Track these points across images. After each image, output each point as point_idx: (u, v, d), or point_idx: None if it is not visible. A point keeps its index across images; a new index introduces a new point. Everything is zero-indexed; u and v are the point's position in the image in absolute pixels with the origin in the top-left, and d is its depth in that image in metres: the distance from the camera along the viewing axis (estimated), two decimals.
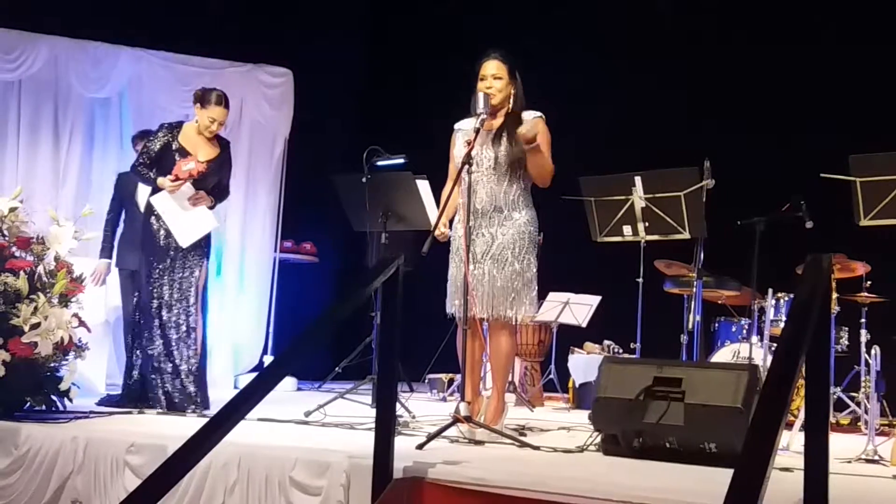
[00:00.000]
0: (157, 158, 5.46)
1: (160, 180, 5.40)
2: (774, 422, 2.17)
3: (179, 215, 5.44)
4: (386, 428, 3.42)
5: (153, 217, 5.45)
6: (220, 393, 5.61)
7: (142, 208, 5.78)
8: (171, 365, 5.36)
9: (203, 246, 5.54)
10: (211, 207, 5.58)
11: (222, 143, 5.67)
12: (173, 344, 5.37)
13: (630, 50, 8.22)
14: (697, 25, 7.98)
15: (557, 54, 8.35)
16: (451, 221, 4.81)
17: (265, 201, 8.29)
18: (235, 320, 8.03)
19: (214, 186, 5.59)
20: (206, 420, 2.99)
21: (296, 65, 8.37)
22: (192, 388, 5.35)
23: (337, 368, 7.13)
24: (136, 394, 5.38)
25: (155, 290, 5.40)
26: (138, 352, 5.44)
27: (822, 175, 4.60)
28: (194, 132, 5.54)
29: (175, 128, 5.54)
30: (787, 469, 3.65)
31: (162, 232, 5.43)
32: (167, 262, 5.43)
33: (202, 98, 5.50)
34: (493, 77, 4.64)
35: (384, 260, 3.53)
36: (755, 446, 2.15)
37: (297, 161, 8.40)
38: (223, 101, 5.52)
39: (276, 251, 8.34)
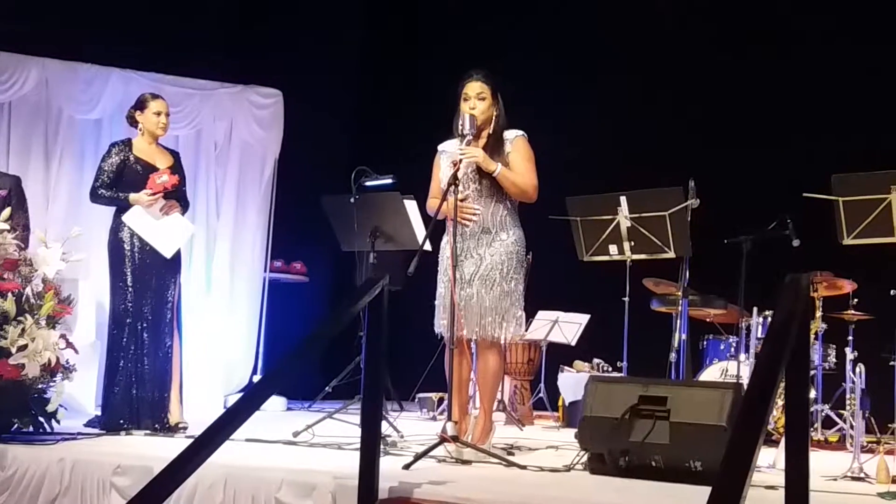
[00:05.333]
0: (115, 177, 5.46)
1: (133, 196, 5.39)
2: (751, 440, 2.19)
3: (156, 228, 5.42)
4: (371, 448, 3.42)
5: (124, 234, 5.42)
6: (210, 413, 5.59)
7: None
8: (150, 385, 5.35)
9: (174, 261, 5.54)
10: (182, 214, 5.61)
11: (173, 153, 5.76)
12: (153, 364, 5.36)
13: (616, 69, 8.28)
14: (684, 44, 8.03)
15: (539, 74, 8.41)
16: (439, 242, 4.85)
17: (255, 221, 8.30)
18: (225, 340, 8.02)
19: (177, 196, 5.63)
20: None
21: (286, 86, 8.40)
22: (172, 409, 5.36)
23: (327, 388, 7.13)
24: (118, 414, 5.30)
25: (133, 309, 5.38)
26: (119, 371, 5.37)
27: (804, 195, 4.64)
28: (146, 144, 5.58)
29: (125, 144, 5.57)
30: (771, 487, 3.68)
31: (136, 250, 5.42)
32: (143, 279, 5.41)
33: (138, 106, 5.60)
34: (477, 97, 4.68)
35: (370, 280, 3.54)
36: (732, 465, 2.17)
37: (286, 181, 8.42)
38: (156, 95, 5.67)
39: (266, 271, 8.34)
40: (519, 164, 4.70)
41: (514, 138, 4.75)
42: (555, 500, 3.36)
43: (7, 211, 5.25)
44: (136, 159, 5.50)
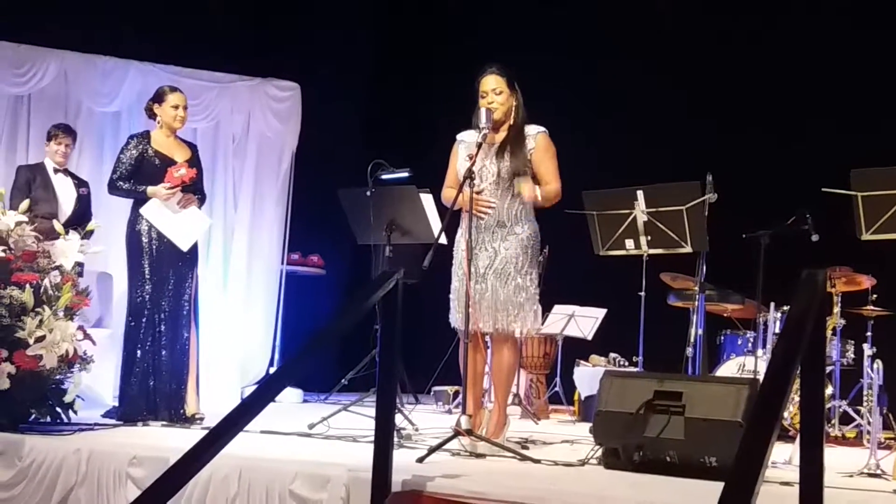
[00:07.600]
0: (133, 170, 5.48)
1: (151, 189, 5.42)
2: (765, 436, 2.17)
3: (173, 221, 5.44)
4: (385, 441, 3.43)
5: (142, 226, 5.44)
6: (227, 405, 5.62)
7: None
8: (167, 376, 5.37)
9: (192, 254, 5.56)
10: (199, 207, 5.63)
11: (191, 146, 5.77)
12: (170, 356, 5.39)
13: (633, 64, 8.24)
14: (701, 37, 8.00)
15: (555, 68, 8.39)
16: (454, 235, 4.84)
17: (272, 214, 8.32)
18: (242, 332, 8.04)
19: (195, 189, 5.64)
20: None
21: (303, 79, 8.41)
22: (189, 400, 5.38)
23: (343, 380, 7.15)
24: (135, 405, 5.33)
25: (150, 301, 5.40)
26: (136, 363, 5.40)
27: (823, 190, 4.60)
28: (163, 137, 5.59)
29: (144, 137, 5.58)
30: (787, 483, 3.65)
31: (154, 242, 5.44)
32: (161, 272, 5.43)
33: (156, 98, 5.60)
34: (494, 91, 4.66)
35: (384, 274, 3.54)
36: (746, 460, 2.16)
37: (304, 174, 8.43)
38: (175, 88, 5.67)
39: (283, 263, 8.36)
40: (545, 166, 4.68)
41: (537, 134, 4.71)
42: (569, 495, 3.35)
43: (26, 203, 5.30)
44: (155, 152, 5.52)
